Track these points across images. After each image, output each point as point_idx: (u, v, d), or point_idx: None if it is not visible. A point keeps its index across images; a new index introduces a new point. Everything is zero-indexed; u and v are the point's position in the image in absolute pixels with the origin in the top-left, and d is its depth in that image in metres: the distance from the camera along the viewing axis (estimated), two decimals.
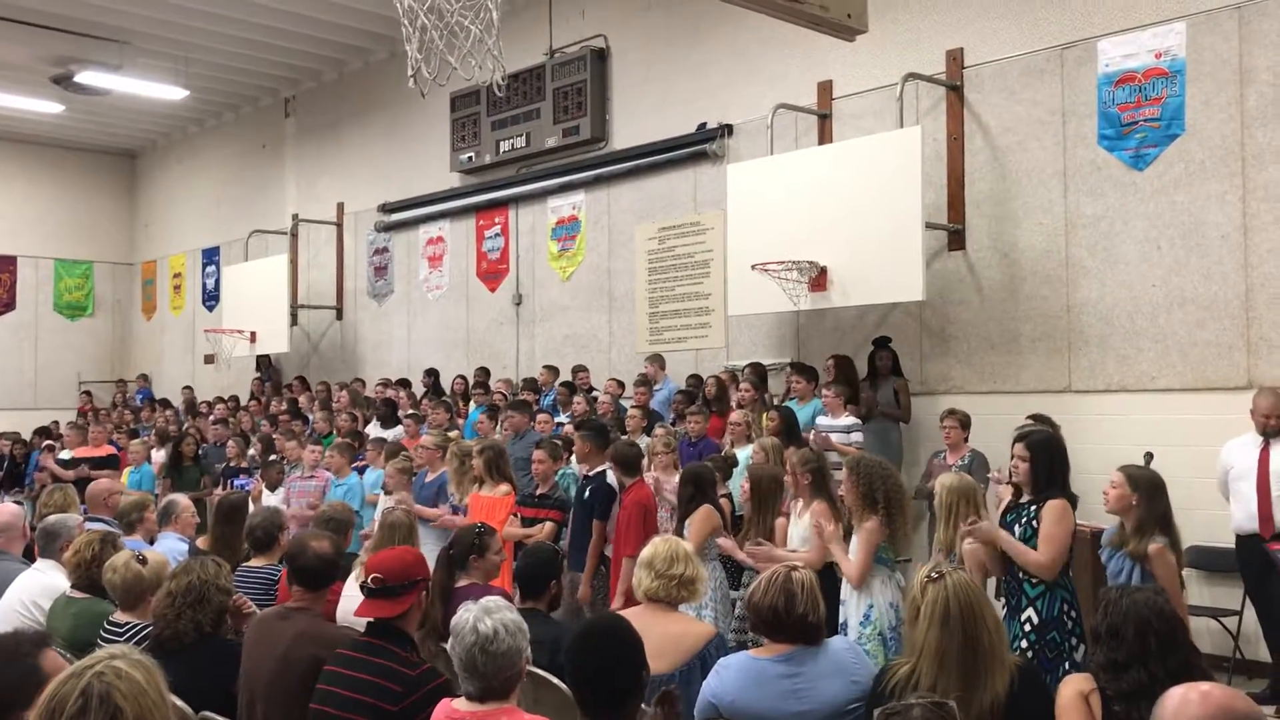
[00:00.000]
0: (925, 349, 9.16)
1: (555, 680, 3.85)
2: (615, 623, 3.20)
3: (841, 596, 5.32)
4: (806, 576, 3.54)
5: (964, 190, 8.94)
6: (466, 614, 3.05)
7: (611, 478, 7.05)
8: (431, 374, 13.04)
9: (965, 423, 7.72)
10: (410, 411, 11.05)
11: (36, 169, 19.67)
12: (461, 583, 4.73)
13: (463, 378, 12.38)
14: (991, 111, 8.83)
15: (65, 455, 12.06)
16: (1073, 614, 4.76)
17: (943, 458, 7.77)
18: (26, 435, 14.25)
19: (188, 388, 17.19)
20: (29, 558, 6.06)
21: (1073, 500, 5.02)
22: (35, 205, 19.68)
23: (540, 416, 9.57)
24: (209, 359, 17.37)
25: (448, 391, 12.33)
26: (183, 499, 6.75)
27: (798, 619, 3.47)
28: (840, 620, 5.26)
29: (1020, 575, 4.83)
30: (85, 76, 14.76)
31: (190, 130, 19.12)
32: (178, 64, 15.11)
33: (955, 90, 8.98)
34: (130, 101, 16.57)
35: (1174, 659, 3.03)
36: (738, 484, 7.24)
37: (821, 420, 8.32)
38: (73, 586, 4.83)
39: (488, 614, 3.04)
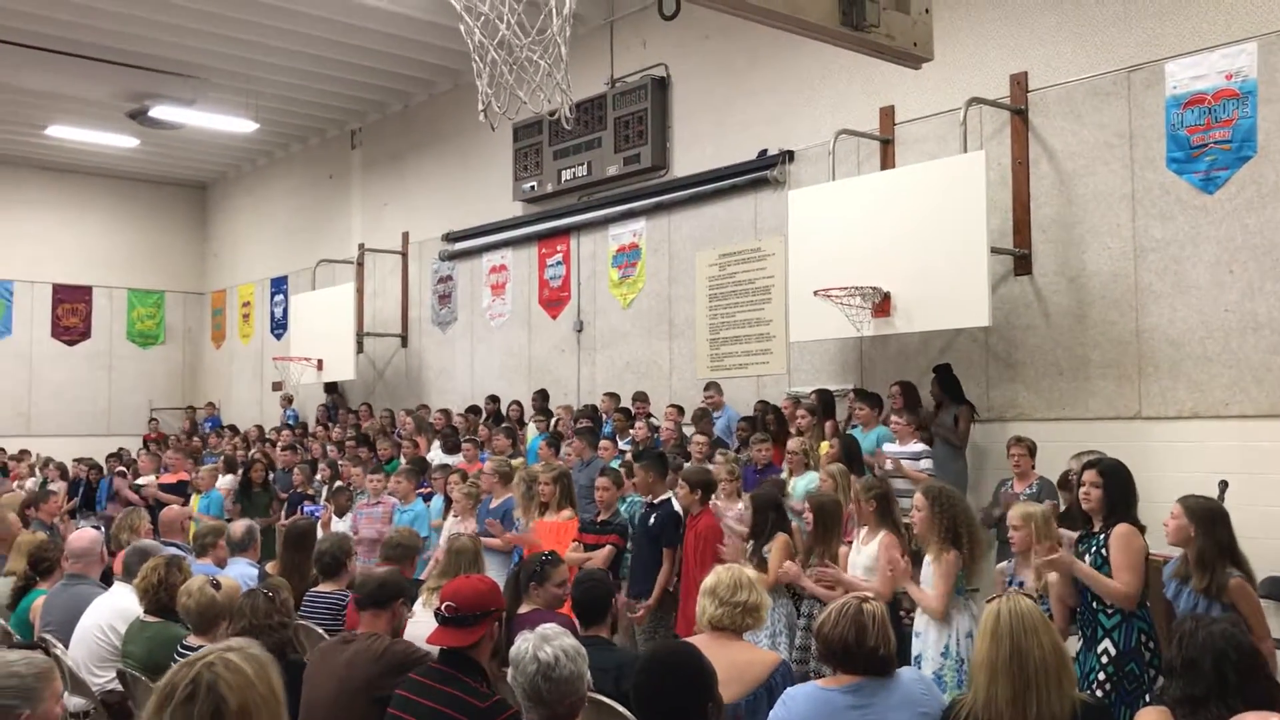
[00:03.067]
0: (991, 375, 9.05)
1: (619, 707, 3.85)
2: (687, 650, 3.19)
3: (915, 629, 5.25)
4: (878, 609, 3.50)
5: (1030, 214, 8.84)
6: (525, 643, 3.07)
7: (677, 504, 7.04)
8: (494, 400, 13.14)
9: (1033, 450, 7.59)
10: (469, 437, 11.14)
11: (111, 201, 20.24)
12: (524, 610, 4.75)
13: (518, 404, 12.45)
14: (1057, 135, 8.74)
15: (142, 480, 12.31)
16: (1151, 645, 4.65)
17: (1010, 486, 7.65)
18: (99, 461, 14.59)
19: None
20: (106, 581, 6.21)
21: (1141, 528, 4.91)
22: (110, 236, 20.24)
23: (603, 444, 9.59)
24: (277, 386, 17.69)
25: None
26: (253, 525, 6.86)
27: (869, 651, 3.43)
28: (915, 652, 5.18)
29: (1095, 605, 4.73)
30: (159, 111, 15.19)
31: (259, 162, 19.54)
32: (247, 97, 15.49)
33: (1020, 114, 8.90)
34: (202, 134, 17.03)
35: (1253, 693, 2.95)
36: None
37: (889, 447, 8.24)
38: (145, 611, 4.92)
39: (547, 642, 3.06)
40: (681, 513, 6.96)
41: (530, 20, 3.94)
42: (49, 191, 19.54)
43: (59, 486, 13.03)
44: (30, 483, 14.32)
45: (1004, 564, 5.70)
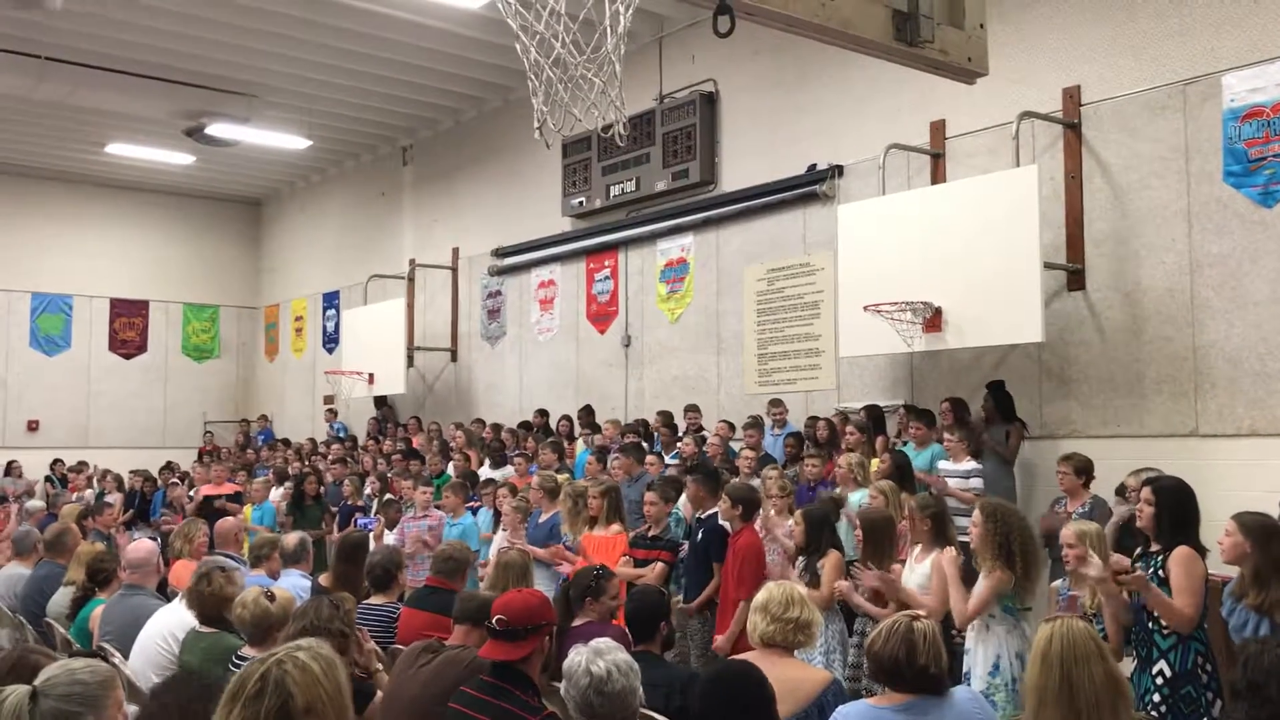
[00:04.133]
0: (1045, 391, 8.95)
1: None
2: (748, 669, 3.18)
3: (966, 646, 5.19)
4: (929, 627, 3.47)
5: (1083, 229, 8.75)
6: (579, 656, 3.08)
7: (723, 519, 7.02)
8: (542, 414, 13.19)
9: (1081, 469, 7.39)
10: (519, 451, 11.18)
11: (168, 217, 20.63)
12: (577, 622, 4.77)
13: (568, 418, 12.49)
14: (1111, 149, 8.65)
15: (205, 492, 12.49)
16: (1208, 667, 4.57)
17: (1064, 504, 7.54)
18: (154, 473, 14.82)
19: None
20: (161, 592, 6.30)
21: (1202, 551, 4.82)
22: (166, 252, 20.61)
23: (649, 459, 9.59)
24: (329, 400, 17.89)
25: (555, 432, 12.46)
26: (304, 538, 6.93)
27: (919, 670, 3.40)
28: (964, 670, 5.12)
29: (1151, 626, 4.65)
30: (215, 129, 15.45)
31: (312, 179, 19.82)
32: (301, 115, 15.73)
33: (1073, 128, 8.82)
34: (256, 151, 17.31)
35: None
36: (845, 529, 7.15)
37: (942, 465, 8.17)
38: (200, 622, 4.97)
39: (600, 656, 3.06)
40: (728, 527, 6.94)
41: (585, 38, 3.98)
42: (108, 208, 19.95)
43: (115, 498, 13.23)
44: (88, 494, 14.59)
45: (1058, 582, 5.62)
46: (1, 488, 16.25)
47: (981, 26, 5.78)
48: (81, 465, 16.63)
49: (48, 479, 16.97)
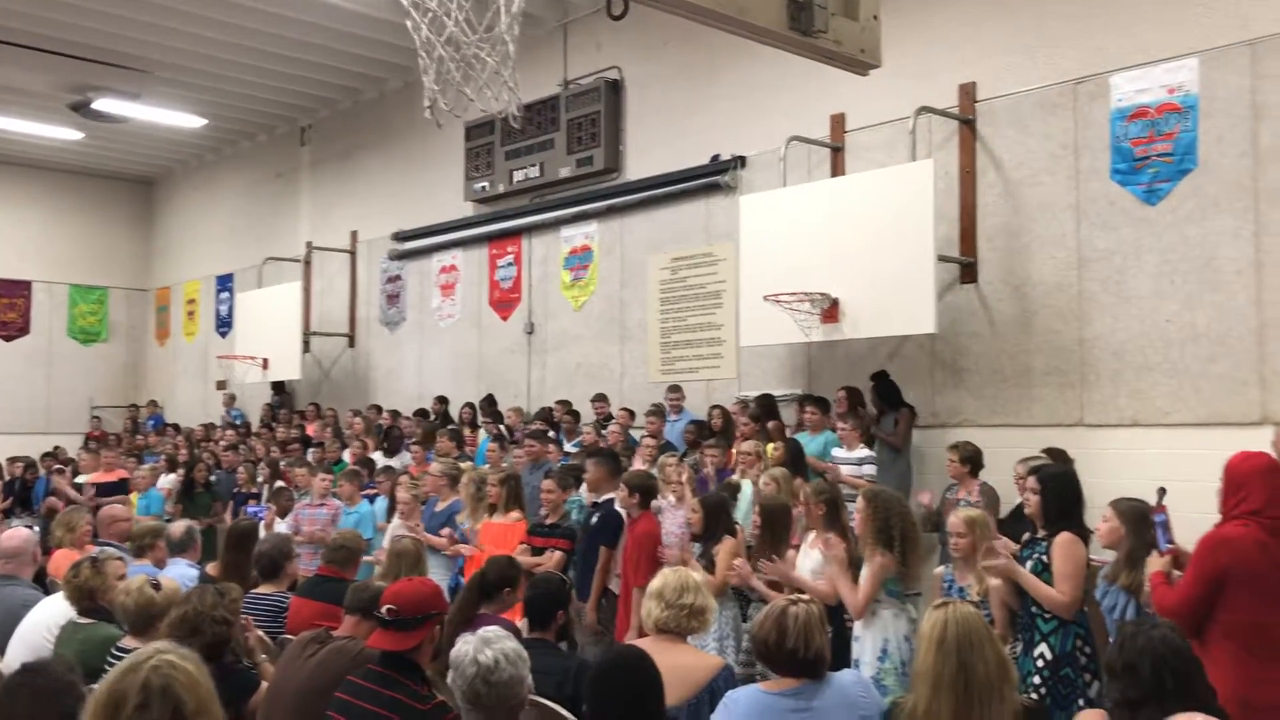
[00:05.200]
0: (937, 382, 9.14)
1: (563, 711, 3.83)
2: (639, 657, 3.18)
3: (854, 632, 5.28)
4: (804, 610, 3.49)
5: (976, 223, 8.94)
6: (466, 646, 3.05)
7: (619, 505, 7.03)
8: (442, 402, 13.05)
9: (968, 457, 7.55)
10: (416, 440, 11.05)
11: (54, 195, 19.84)
12: (484, 611, 4.72)
13: (470, 406, 12.38)
14: (1004, 145, 8.85)
15: (81, 479, 12.08)
16: (1087, 649, 4.72)
17: (954, 491, 7.72)
18: (35, 459, 14.29)
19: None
20: (39, 583, 6.07)
21: (1085, 536, 4.98)
22: (52, 231, 19.85)
23: (549, 447, 9.56)
24: (221, 385, 17.45)
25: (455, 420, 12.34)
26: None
27: (789, 653, 3.43)
28: (854, 656, 5.21)
29: (1034, 610, 4.79)
30: (104, 104, 14.93)
31: (207, 158, 19.28)
32: (195, 92, 15.28)
33: (968, 124, 9.00)
34: (148, 129, 16.78)
35: (1191, 698, 2.99)
36: (743, 514, 7.21)
37: (836, 452, 8.30)
38: (79, 612, 4.81)
39: (487, 645, 3.04)
40: (623, 514, 6.95)
41: (478, 17, 3.91)
42: None
43: None
44: None
45: (942, 568, 5.76)
46: None
47: (875, 18, 5.84)
48: None
49: None
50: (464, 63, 3.97)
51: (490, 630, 3.10)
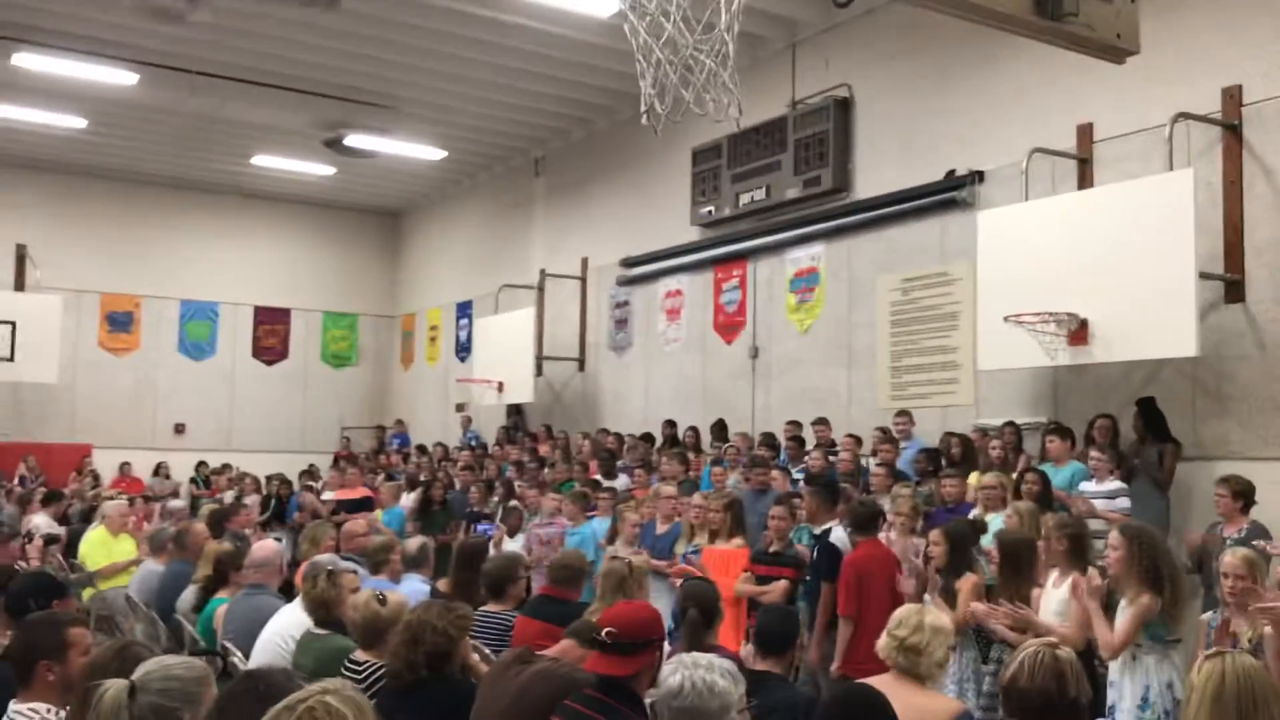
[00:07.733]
0: (1199, 409, 8.40)
1: None
2: (873, 694, 2.99)
3: (1110, 677, 4.85)
4: (1072, 656, 3.18)
5: (1243, 238, 8.22)
6: (674, 670, 2.96)
7: (836, 536, 6.76)
8: (670, 425, 13.05)
9: (1240, 492, 6.86)
10: (641, 462, 11.06)
11: (310, 228, 21.23)
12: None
13: (694, 430, 12.32)
14: (1275, 152, 8.10)
15: (326, 496, 12.74)
16: None
17: (1219, 530, 7.03)
18: (291, 477, 15.19)
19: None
20: (286, 593, 6.35)
21: None
22: (308, 261, 21.20)
23: (774, 473, 9.35)
24: (460, 407, 18.11)
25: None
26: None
27: (1070, 703, 3.10)
28: (1109, 703, 4.79)
29: None
30: (354, 140, 15.83)
31: (448, 190, 20.15)
32: (437, 127, 16.01)
33: (1232, 130, 8.29)
34: (394, 163, 17.69)
35: None
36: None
37: (1085, 485, 7.73)
38: (315, 623, 4.97)
39: (696, 669, 2.93)
40: (843, 545, 6.67)
41: (696, 17, 3.78)
42: (253, 218, 20.60)
43: (253, 500, 13.60)
44: (228, 496, 15.03)
45: (1208, 614, 5.22)
46: (150, 488, 16.90)
47: (1133, 0, 5.36)
48: (225, 468, 17.18)
49: (192, 480, 17.60)
50: (682, 65, 3.85)
51: (701, 656, 2.98)
